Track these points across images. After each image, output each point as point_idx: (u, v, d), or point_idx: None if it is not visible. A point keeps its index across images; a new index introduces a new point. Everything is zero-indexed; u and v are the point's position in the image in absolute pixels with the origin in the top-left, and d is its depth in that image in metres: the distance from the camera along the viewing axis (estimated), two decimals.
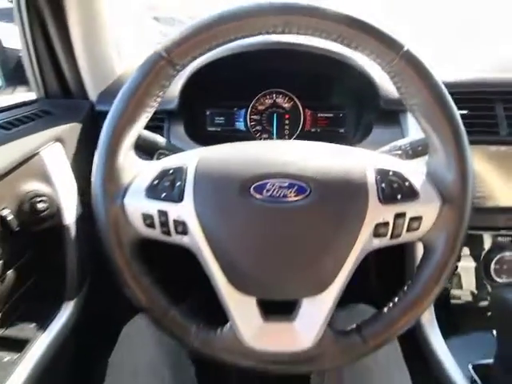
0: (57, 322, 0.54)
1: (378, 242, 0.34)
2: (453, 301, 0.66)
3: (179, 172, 0.35)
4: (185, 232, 0.35)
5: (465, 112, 0.58)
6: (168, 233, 0.35)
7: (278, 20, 0.32)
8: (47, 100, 0.69)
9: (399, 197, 0.34)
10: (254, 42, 0.64)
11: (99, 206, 0.35)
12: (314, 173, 0.34)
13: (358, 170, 0.34)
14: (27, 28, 0.62)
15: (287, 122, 0.75)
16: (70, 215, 0.57)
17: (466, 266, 0.67)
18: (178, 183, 0.35)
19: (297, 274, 0.34)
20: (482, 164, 0.60)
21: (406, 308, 0.35)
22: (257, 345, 0.35)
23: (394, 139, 0.47)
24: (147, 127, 0.40)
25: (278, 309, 0.36)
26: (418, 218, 0.34)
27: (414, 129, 0.60)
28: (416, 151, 0.44)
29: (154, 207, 0.35)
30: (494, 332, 0.52)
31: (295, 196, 0.33)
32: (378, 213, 0.33)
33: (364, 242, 0.33)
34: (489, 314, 0.67)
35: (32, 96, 0.70)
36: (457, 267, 0.65)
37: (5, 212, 0.48)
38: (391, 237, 0.34)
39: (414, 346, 0.59)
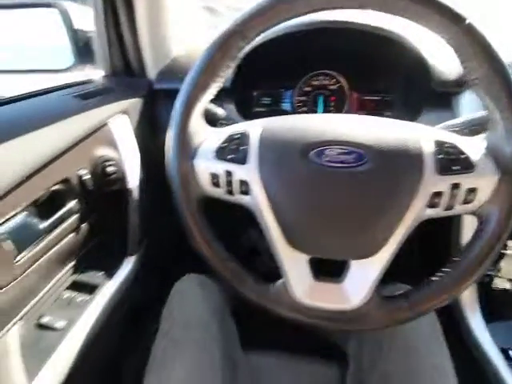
0: (120, 273, 0.61)
1: (431, 212, 0.36)
2: (495, 287, 0.66)
3: (244, 137, 0.39)
4: (247, 192, 0.38)
5: None
6: (231, 192, 0.39)
7: None
8: (112, 77, 0.76)
9: (455, 168, 0.35)
10: (302, 21, 0.65)
11: (173, 165, 0.40)
12: (371, 141, 0.36)
13: (414, 140, 0.36)
14: (101, 12, 0.68)
15: (332, 104, 0.76)
16: (132, 180, 0.64)
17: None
18: (244, 147, 0.38)
19: (348, 236, 0.37)
20: None
21: (456, 278, 0.36)
22: (307, 301, 0.38)
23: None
24: None
25: (328, 271, 0.39)
26: (474, 190, 0.35)
27: (467, 112, 0.59)
28: (472, 129, 0.44)
29: (221, 167, 0.39)
30: None
31: (353, 162, 0.35)
32: (434, 183, 0.34)
33: (417, 211, 0.35)
34: None
35: (99, 73, 0.77)
36: (503, 254, 0.64)
37: (82, 172, 0.55)
38: (445, 208, 0.36)
39: (453, 326, 0.59)
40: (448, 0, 0.34)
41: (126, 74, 0.77)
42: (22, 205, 0.45)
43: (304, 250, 0.38)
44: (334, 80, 0.74)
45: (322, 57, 0.74)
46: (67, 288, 0.55)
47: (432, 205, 0.35)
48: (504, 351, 0.53)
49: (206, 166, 0.39)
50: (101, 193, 0.59)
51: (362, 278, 0.37)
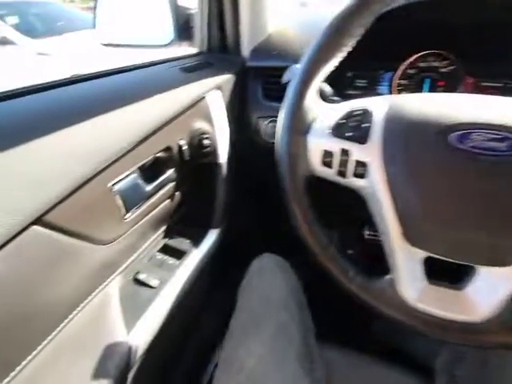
0: (204, 244, 0.63)
1: None
2: None
3: (366, 114, 0.36)
4: (362, 175, 0.35)
5: None
6: (343, 174, 0.37)
7: None
8: (208, 54, 0.77)
9: None
10: None
11: (283, 140, 0.38)
12: None
13: None
14: None
15: (440, 89, 0.67)
16: (223, 154, 0.65)
17: None
18: (365, 125, 0.35)
19: (488, 237, 0.31)
20: None
21: None
22: (420, 305, 0.34)
23: None
24: None
25: (441, 275, 0.34)
26: None
27: None
28: None
29: (337, 145, 0.36)
30: None
31: (506, 151, 0.30)
32: None
33: None
34: None
35: (195, 50, 0.79)
36: None
37: (182, 142, 0.57)
38: None
39: None
40: None
41: (221, 51, 0.78)
42: (131, 168, 0.48)
43: (422, 246, 0.34)
44: (447, 62, 0.65)
45: (433, 34, 0.65)
46: (159, 250, 0.59)
47: None
48: None
49: (320, 143, 0.37)
50: (195, 164, 0.61)
51: (492, 288, 0.32)
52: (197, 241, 0.63)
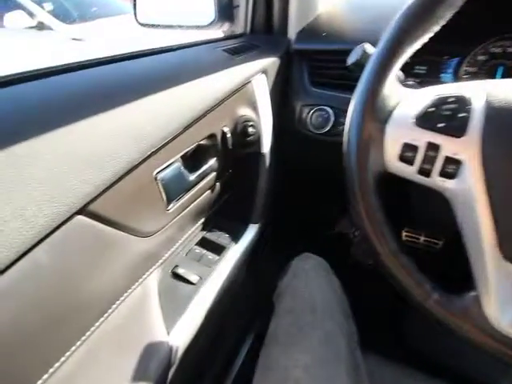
0: (244, 239, 0.60)
1: None
2: None
3: (462, 101, 0.30)
4: (453, 174, 0.30)
5: None
6: (427, 173, 0.31)
7: None
8: (251, 35, 0.72)
9: None
10: None
11: (355, 127, 0.33)
12: None
13: None
14: None
15: None
16: (266, 144, 0.60)
17: None
18: (462, 114, 0.29)
19: None
20: None
21: None
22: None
23: None
24: None
25: None
26: None
27: None
28: None
29: (423, 138, 0.31)
30: None
31: None
32: None
33: None
34: None
35: (238, 31, 0.74)
36: None
37: (226, 129, 0.53)
38: None
39: None
40: None
41: (266, 32, 0.72)
42: (175, 156, 0.45)
43: None
44: None
45: (509, 15, 0.57)
46: (197, 243, 0.56)
47: None
48: None
49: (401, 134, 0.32)
50: (237, 153, 0.57)
51: None
52: (236, 236, 0.59)
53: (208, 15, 0.75)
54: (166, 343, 0.41)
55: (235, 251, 0.57)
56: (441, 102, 0.30)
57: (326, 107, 0.65)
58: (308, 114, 0.67)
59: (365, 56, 0.41)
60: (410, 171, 0.32)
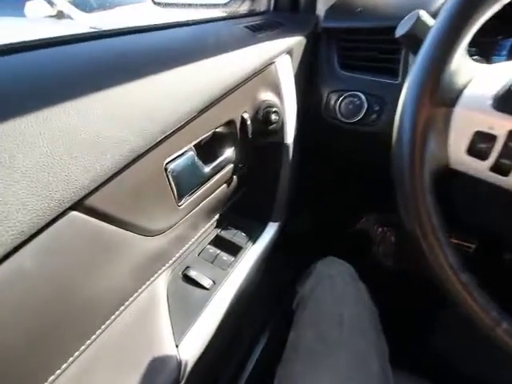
0: (262, 239, 0.54)
1: None
2: None
3: None
4: None
5: None
6: (505, 170, 0.24)
7: None
8: (274, 12, 0.65)
9: None
10: None
11: (410, 111, 0.26)
12: None
13: None
14: None
15: None
16: (290, 133, 0.54)
17: None
18: None
19: None
20: None
21: None
22: None
23: None
24: None
25: None
26: None
27: None
28: None
29: (504, 125, 0.24)
30: None
31: None
32: None
33: None
34: None
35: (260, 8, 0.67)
36: None
37: (245, 116, 0.47)
38: None
39: None
40: None
41: (291, 10, 0.65)
42: (188, 145, 0.39)
43: None
44: None
45: None
46: (211, 242, 0.51)
47: None
48: None
49: (473, 121, 0.25)
50: (258, 143, 0.51)
51: None
52: (253, 235, 0.53)
53: None
54: (174, 357, 0.36)
55: (252, 252, 0.51)
56: None
57: (358, 93, 0.58)
58: (337, 100, 0.60)
59: (420, 25, 0.33)
60: (480, 167, 0.25)
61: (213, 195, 0.47)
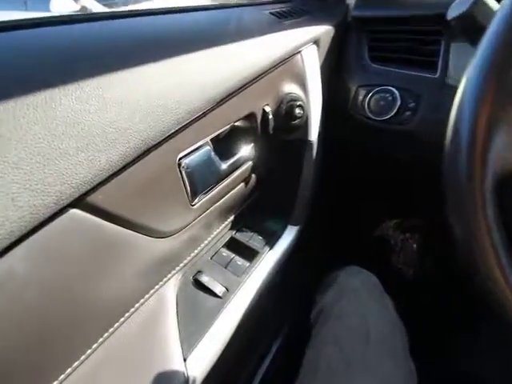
0: (281, 243, 0.50)
1: None
2: None
3: None
4: None
5: None
6: None
7: None
8: (301, 0, 0.60)
9: None
10: None
11: (472, 104, 0.22)
12: None
13: None
14: None
15: None
16: (314, 130, 0.50)
17: None
18: None
19: None
20: None
21: None
22: None
23: None
24: None
25: None
26: None
27: None
28: None
29: None
30: None
31: None
32: None
33: None
34: None
35: None
36: None
37: (267, 109, 0.43)
38: None
39: None
40: None
41: None
42: (204, 139, 0.35)
43: None
44: None
45: None
46: (225, 245, 0.47)
47: None
48: None
49: None
50: (280, 139, 0.47)
51: None
52: (271, 238, 0.49)
53: None
54: (182, 373, 0.33)
55: (269, 258, 0.47)
56: None
57: (390, 88, 0.52)
58: (366, 95, 0.55)
59: (481, 7, 0.29)
60: None
61: (229, 194, 0.43)
